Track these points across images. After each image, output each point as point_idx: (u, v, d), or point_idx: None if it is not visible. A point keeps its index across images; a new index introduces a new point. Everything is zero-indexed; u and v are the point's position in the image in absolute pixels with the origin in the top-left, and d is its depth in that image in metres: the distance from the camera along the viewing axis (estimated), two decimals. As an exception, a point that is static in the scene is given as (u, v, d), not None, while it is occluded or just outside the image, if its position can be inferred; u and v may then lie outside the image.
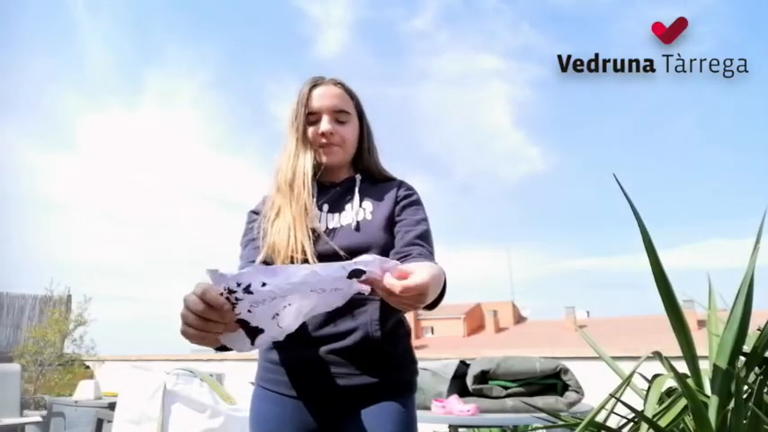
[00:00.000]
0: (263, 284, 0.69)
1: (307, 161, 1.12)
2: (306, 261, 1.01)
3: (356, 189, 1.16)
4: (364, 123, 1.22)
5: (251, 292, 0.69)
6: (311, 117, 1.13)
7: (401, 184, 1.20)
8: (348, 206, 1.14)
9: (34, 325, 6.72)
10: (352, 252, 1.02)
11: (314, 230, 1.07)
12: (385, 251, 1.07)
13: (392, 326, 1.09)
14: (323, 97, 1.14)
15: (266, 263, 1.06)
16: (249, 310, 0.72)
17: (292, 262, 1.02)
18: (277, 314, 0.76)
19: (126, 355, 6.52)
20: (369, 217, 1.11)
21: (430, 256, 1.06)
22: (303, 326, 1.01)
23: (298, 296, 0.75)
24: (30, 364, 5.61)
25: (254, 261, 1.08)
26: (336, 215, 1.13)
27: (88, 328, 6.30)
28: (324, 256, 1.03)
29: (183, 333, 0.73)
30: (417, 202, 1.17)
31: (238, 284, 0.68)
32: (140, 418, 2.61)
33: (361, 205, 1.13)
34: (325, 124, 1.12)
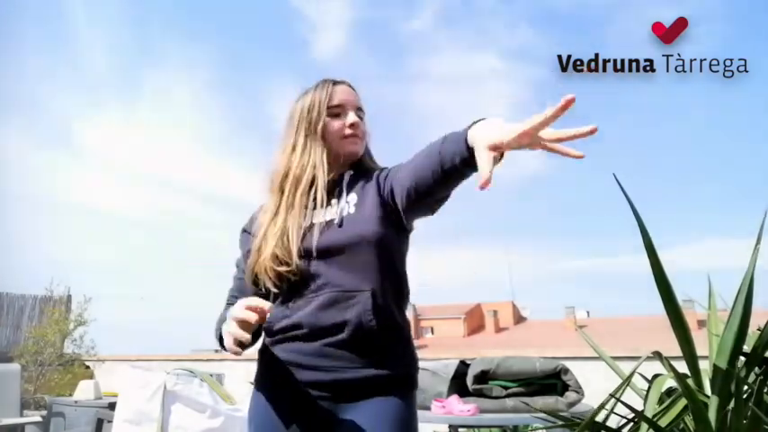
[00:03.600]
0: None
1: (317, 155, 1.14)
2: (289, 271, 1.06)
3: (344, 183, 1.15)
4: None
5: None
6: (334, 110, 1.16)
7: (383, 168, 1.18)
8: (334, 201, 1.12)
9: (34, 325, 6.70)
10: (335, 250, 1.04)
11: (310, 226, 1.10)
12: (379, 244, 1.04)
13: (388, 316, 1.05)
14: (346, 93, 1.19)
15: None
16: None
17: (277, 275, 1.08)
18: None
19: (126, 355, 6.52)
20: (352, 210, 1.09)
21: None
22: (296, 319, 1.05)
23: None
24: (30, 364, 5.61)
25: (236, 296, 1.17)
26: (322, 210, 1.11)
27: (88, 328, 6.29)
28: (306, 253, 1.07)
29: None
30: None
31: None
32: (140, 418, 2.61)
33: (347, 199, 1.12)
34: (352, 116, 1.16)
